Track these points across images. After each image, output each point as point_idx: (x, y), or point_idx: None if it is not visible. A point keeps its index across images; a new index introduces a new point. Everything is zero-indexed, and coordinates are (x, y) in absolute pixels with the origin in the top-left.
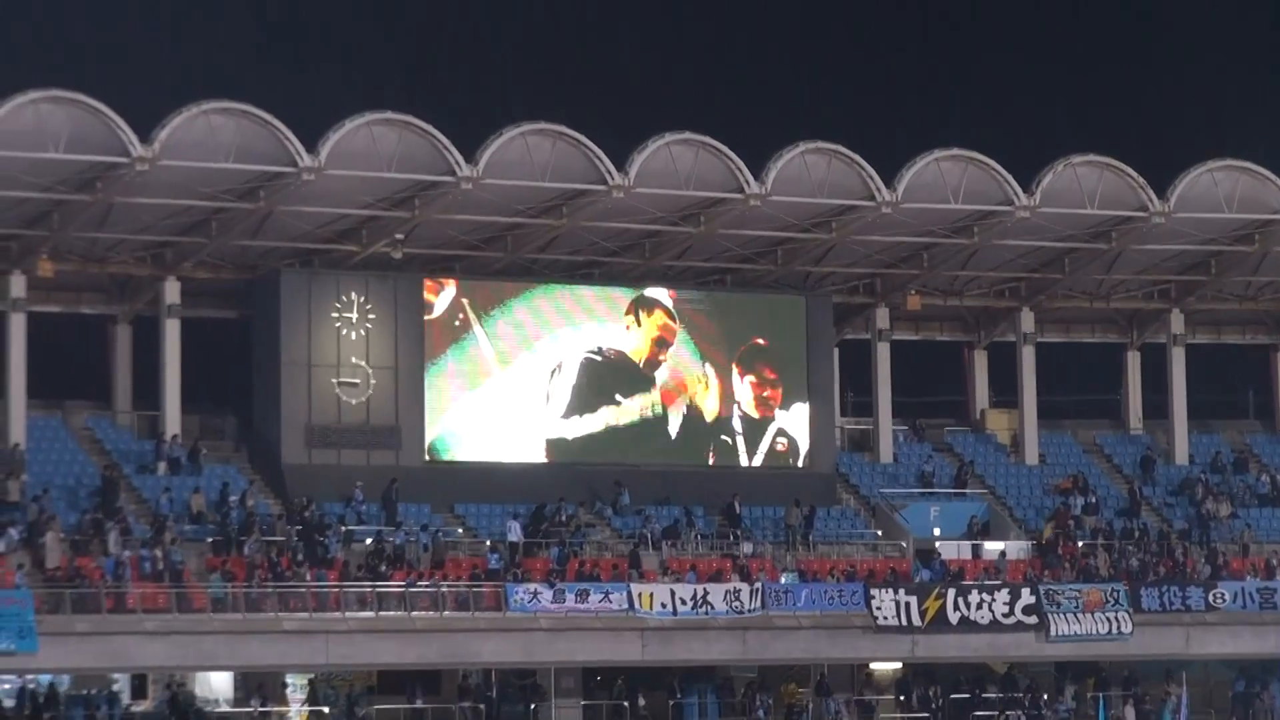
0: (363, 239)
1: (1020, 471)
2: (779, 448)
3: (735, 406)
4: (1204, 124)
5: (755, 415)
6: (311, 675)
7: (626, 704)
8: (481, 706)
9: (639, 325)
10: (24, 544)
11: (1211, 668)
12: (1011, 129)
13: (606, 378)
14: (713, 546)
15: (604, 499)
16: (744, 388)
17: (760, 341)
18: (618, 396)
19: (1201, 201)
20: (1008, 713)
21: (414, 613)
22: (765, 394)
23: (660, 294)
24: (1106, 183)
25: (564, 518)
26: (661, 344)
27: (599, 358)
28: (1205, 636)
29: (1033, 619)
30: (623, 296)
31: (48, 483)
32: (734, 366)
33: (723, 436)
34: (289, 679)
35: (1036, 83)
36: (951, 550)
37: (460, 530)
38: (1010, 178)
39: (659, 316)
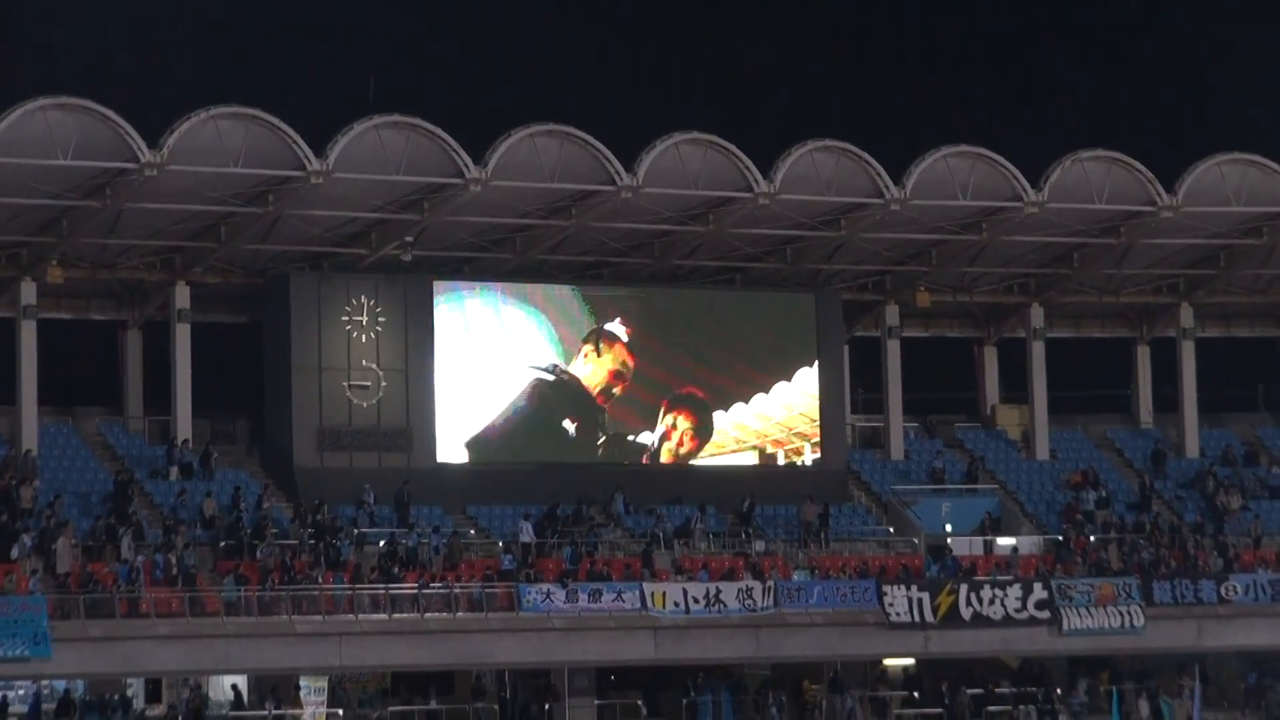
0: (372, 242)
1: (1031, 467)
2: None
3: (655, 442)
4: (1211, 117)
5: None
6: (328, 677)
7: (641, 703)
8: (496, 707)
9: (598, 355)
10: (37, 550)
11: (1224, 660)
12: (1019, 125)
13: (555, 402)
14: (725, 545)
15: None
16: (660, 429)
17: (700, 394)
18: (565, 423)
19: (1210, 195)
20: (1021, 707)
21: (427, 614)
22: (682, 449)
23: (618, 329)
24: (1115, 177)
25: (575, 518)
26: (619, 376)
27: (551, 377)
28: (1218, 629)
29: (1045, 614)
30: (586, 321)
31: (60, 489)
32: (662, 405)
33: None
34: (302, 681)
35: (1044, 78)
36: (963, 546)
37: (472, 531)
38: (1018, 174)
39: (619, 351)
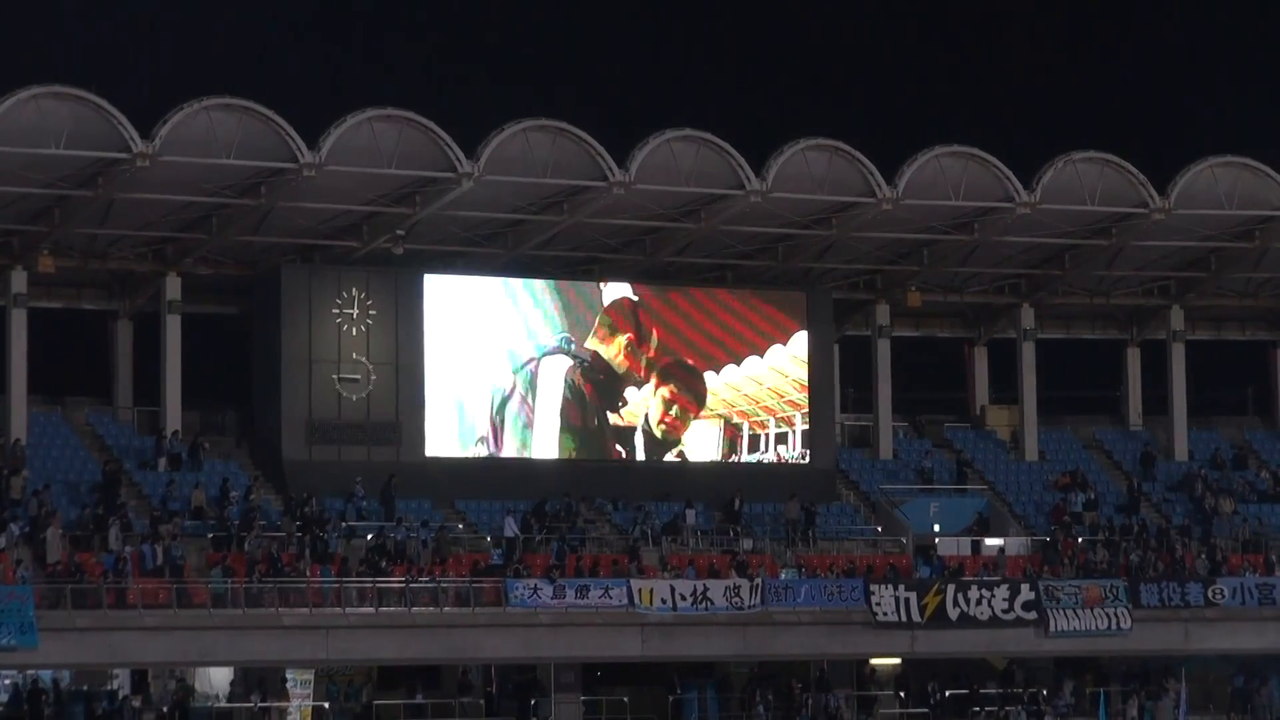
0: (364, 235)
1: (1020, 468)
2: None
3: (643, 418)
4: (1204, 120)
5: (657, 434)
6: (314, 670)
7: (626, 699)
8: (481, 702)
9: (611, 333)
10: (25, 539)
11: (1211, 663)
12: (1012, 125)
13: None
14: (713, 543)
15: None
16: (654, 401)
17: (690, 361)
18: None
19: (1202, 198)
20: (1007, 708)
21: (414, 608)
22: (673, 413)
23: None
24: (1107, 179)
25: (564, 513)
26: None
27: (571, 360)
28: (1204, 632)
29: (1032, 615)
30: (597, 294)
31: (49, 478)
32: (652, 378)
33: (618, 446)
34: (289, 674)
35: (1037, 79)
36: (951, 546)
37: (460, 526)
38: (1011, 174)
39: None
